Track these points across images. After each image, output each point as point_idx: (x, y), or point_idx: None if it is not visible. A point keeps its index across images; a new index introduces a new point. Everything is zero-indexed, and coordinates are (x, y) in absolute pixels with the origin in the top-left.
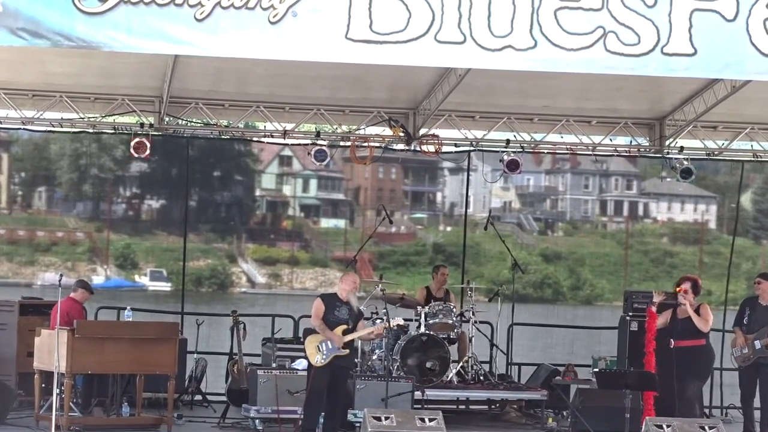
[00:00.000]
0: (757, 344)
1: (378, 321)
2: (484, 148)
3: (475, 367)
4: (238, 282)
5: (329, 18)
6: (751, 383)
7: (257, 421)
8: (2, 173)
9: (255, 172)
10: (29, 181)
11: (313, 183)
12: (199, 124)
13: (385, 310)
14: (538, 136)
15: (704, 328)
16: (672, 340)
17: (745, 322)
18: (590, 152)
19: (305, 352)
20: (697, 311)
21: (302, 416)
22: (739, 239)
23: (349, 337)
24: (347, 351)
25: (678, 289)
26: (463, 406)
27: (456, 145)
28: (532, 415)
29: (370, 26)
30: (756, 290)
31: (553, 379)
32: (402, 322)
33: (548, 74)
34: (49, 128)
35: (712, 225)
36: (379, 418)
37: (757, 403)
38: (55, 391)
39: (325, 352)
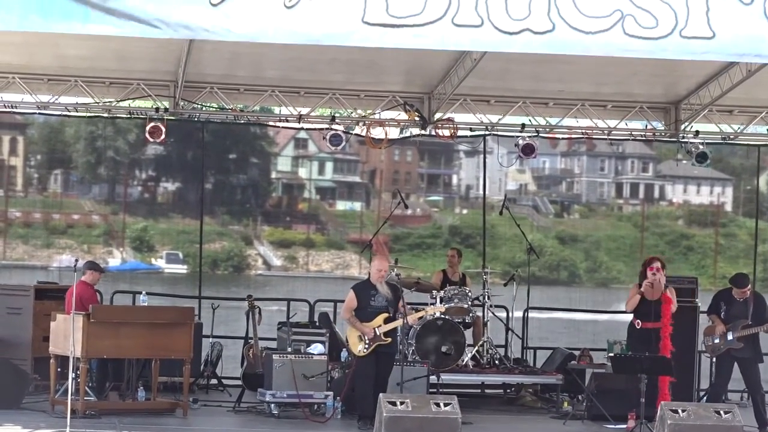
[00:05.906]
0: (730, 336)
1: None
2: (499, 133)
3: (490, 351)
4: (254, 264)
5: (345, 1)
6: (727, 376)
7: (272, 405)
8: (18, 156)
9: (270, 155)
10: (45, 163)
11: (329, 165)
12: (214, 109)
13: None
14: (553, 121)
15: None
16: (639, 321)
17: (722, 316)
18: (605, 136)
19: (347, 342)
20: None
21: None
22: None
23: (387, 327)
24: (389, 339)
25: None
26: (479, 390)
27: (471, 130)
28: (547, 399)
29: (387, 9)
30: (741, 291)
31: (568, 363)
32: (443, 309)
33: (563, 58)
34: (64, 113)
35: (728, 207)
36: (394, 403)
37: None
38: (71, 375)
39: (367, 342)
